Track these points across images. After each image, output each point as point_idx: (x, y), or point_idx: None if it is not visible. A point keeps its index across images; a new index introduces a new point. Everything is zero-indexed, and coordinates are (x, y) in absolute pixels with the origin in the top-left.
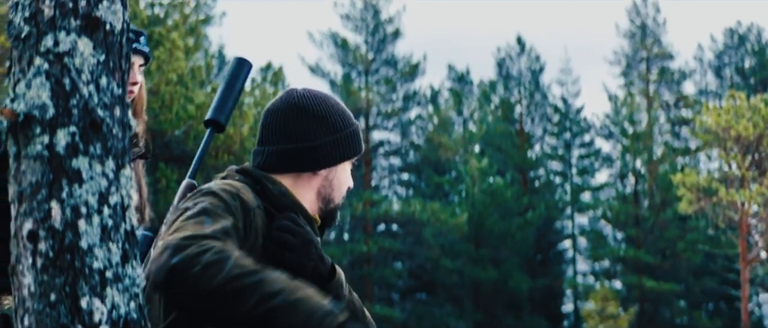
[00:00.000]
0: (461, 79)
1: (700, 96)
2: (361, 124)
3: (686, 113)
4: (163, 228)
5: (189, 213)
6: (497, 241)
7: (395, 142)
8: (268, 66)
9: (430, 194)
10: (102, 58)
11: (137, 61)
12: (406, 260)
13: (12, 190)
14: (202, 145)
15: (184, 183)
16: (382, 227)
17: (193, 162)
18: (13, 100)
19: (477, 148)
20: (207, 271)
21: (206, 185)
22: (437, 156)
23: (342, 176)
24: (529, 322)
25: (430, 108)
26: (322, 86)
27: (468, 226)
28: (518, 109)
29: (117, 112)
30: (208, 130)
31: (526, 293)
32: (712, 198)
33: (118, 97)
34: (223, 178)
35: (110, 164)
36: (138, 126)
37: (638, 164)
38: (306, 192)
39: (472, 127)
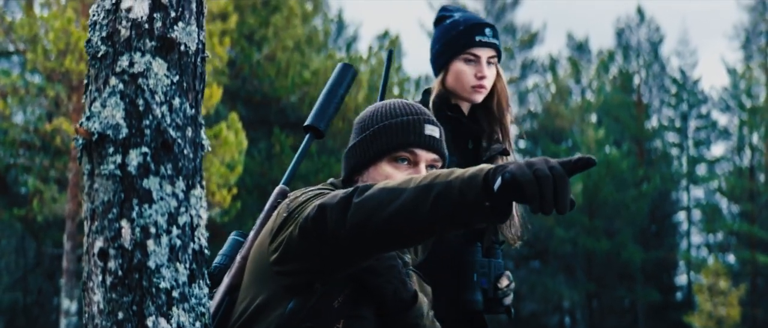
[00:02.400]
0: (580, 48)
1: None
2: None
3: None
4: (251, 234)
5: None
6: (612, 212)
7: (513, 110)
8: (385, 34)
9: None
10: (176, 79)
11: (484, 54)
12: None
13: (85, 207)
14: (300, 151)
15: (277, 189)
16: None
17: (289, 167)
18: (88, 119)
19: (594, 118)
20: (353, 192)
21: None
22: (554, 125)
23: (378, 178)
24: (641, 293)
25: (549, 77)
26: None
27: (583, 196)
28: (636, 79)
29: (189, 132)
30: (307, 136)
31: (638, 265)
32: None
33: (190, 117)
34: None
35: (180, 184)
36: (503, 120)
37: (755, 138)
38: None
39: (590, 96)
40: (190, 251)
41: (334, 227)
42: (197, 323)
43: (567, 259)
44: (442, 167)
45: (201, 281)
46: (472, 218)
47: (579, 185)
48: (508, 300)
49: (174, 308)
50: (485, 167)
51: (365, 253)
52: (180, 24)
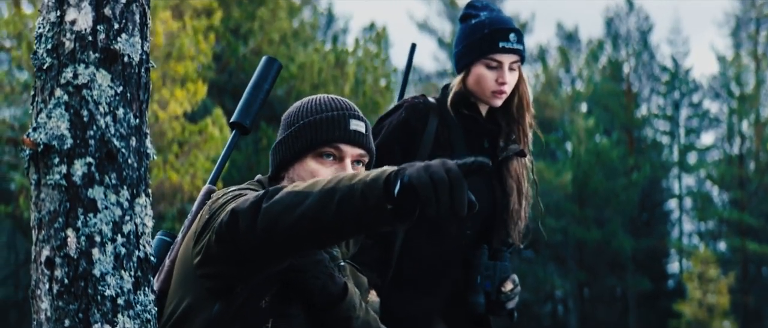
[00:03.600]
0: (570, 38)
1: None
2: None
3: None
4: (179, 236)
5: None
6: (602, 201)
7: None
8: (371, 26)
9: (535, 152)
10: (120, 89)
11: (507, 59)
12: None
13: (33, 216)
14: (225, 148)
15: (204, 188)
16: None
17: (216, 166)
18: (34, 130)
19: (584, 108)
20: (263, 197)
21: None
22: (544, 115)
23: (303, 175)
24: (632, 282)
25: (538, 67)
26: (429, 43)
27: (573, 185)
28: (626, 68)
29: (133, 142)
30: (232, 133)
31: (629, 253)
32: None
33: (134, 127)
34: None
35: (125, 193)
36: (522, 121)
37: (745, 126)
38: None
39: (580, 86)
40: (135, 258)
41: (246, 231)
42: None
43: (558, 248)
44: (370, 162)
45: (146, 288)
46: (376, 222)
47: (569, 174)
48: (512, 304)
49: (119, 315)
50: (388, 169)
51: (278, 256)
52: (123, 35)
